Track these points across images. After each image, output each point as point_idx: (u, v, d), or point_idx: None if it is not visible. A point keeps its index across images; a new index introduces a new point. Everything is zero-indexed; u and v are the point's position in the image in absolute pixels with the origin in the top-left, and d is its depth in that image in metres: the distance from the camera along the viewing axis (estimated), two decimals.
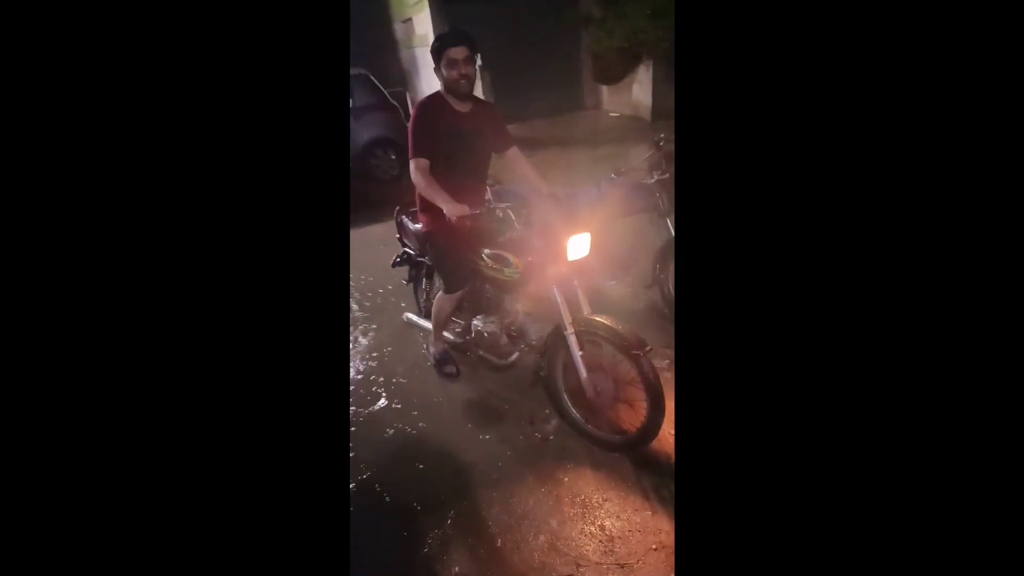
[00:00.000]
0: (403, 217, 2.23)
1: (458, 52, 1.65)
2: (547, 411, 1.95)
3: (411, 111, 1.77)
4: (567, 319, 1.63)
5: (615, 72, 7.45)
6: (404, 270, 2.46)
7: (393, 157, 5.86)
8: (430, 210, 1.82)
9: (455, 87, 1.70)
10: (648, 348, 1.49)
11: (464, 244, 1.84)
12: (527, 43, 7.88)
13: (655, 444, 1.72)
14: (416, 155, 1.70)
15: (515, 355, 1.99)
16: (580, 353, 1.65)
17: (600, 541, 1.48)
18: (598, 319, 1.59)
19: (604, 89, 8.09)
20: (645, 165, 2.55)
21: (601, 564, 1.42)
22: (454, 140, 1.75)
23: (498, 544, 1.51)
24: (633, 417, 1.71)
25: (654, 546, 1.44)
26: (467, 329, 2.05)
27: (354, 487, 1.78)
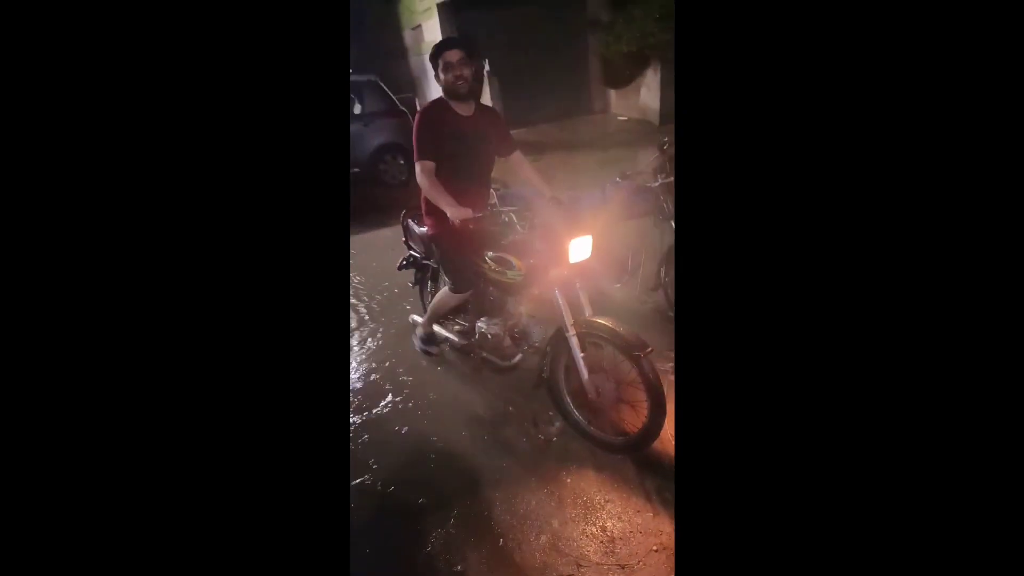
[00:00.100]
0: (409, 220, 2.27)
1: (453, 55, 1.72)
2: (550, 413, 1.96)
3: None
4: (569, 321, 1.65)
5: (623, 76, 7.47)
6: (410, 273, 2.50)
7: (402, 162, 5.92)
8: (435, 213, 1.86)
9: (453, 89, 1.76)
10: (649, 349, 1.50)
11: (468, 247, 1.86)
12: (535, 48, 7.93)
13: (658, 447, 1.73)
14: (421, 157, 1.75)
15: (518, 357, 2.00)
16: (582, 354, 1.66)
17: (601, 542, 1.49)
18: (599, 321, 1.60)
19: (612, 93, 8.11)
20: (650, 169, 2.57)
21: (602, 564, 1.42)
22: (457, 144, 1.79)
23: (500, 544, 1.52)
24: (635, 418, 1.72)
25: (655, 547, 1.45)
26: (471, 331, 2.07)
27: (358, 486, 1.80)
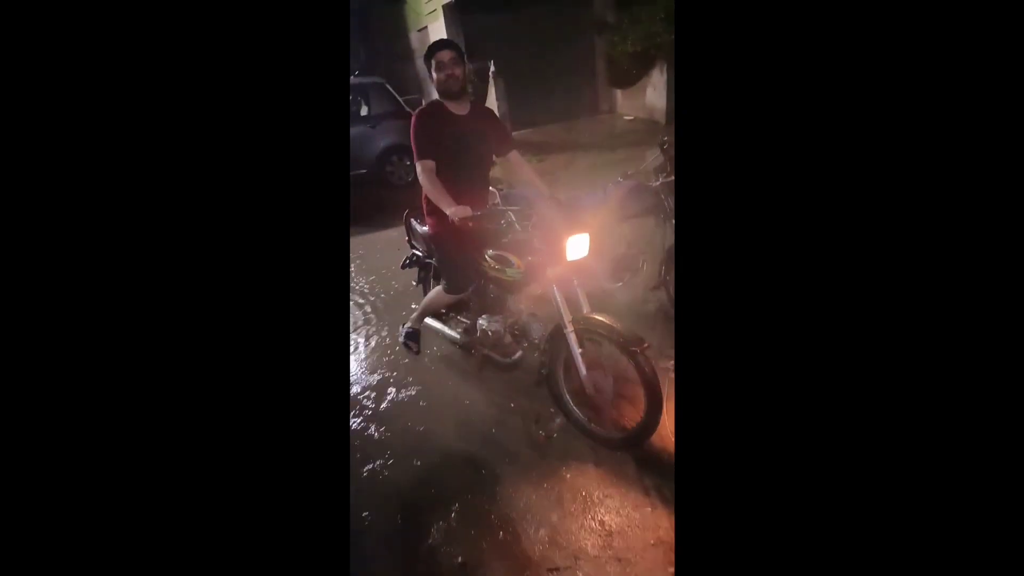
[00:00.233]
0: (412, 220, 2.30)
1: (444, 55, 1.81)
2: (552, 410, 1.99)
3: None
4: (567, 318, 1.67)
5: (629, 76, 7.46)
6: (414, 272, 2.53)
7: (408, 163, 5.97)
8: (436, 212, 1.89)
9: (446, 87, 1.83)
10: (646, 345, 1.52)
11: (467, 245, 1.90)
12: (541, 49, 7.96)
13: (657, 444, 1.74)
14: (421, 157, 1.80)
15: (518, 353, 2.03)
16: (580, 351, 1.68)
17: (599, 536, 1.51)
18: (597, 317, 1.62)
19: (618, 93, 8.11)
20: (651, 168, 2.58)
21: (599, 558, 1.44)
22: (454, 143, 1.83)
23: (500, 537, 1.55)
24: (633, 413, 1.74)
25: (652, 541, 1.46)
26: (472, 328, 2.11)
27: (362, 480, 1.84)
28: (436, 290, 2.13)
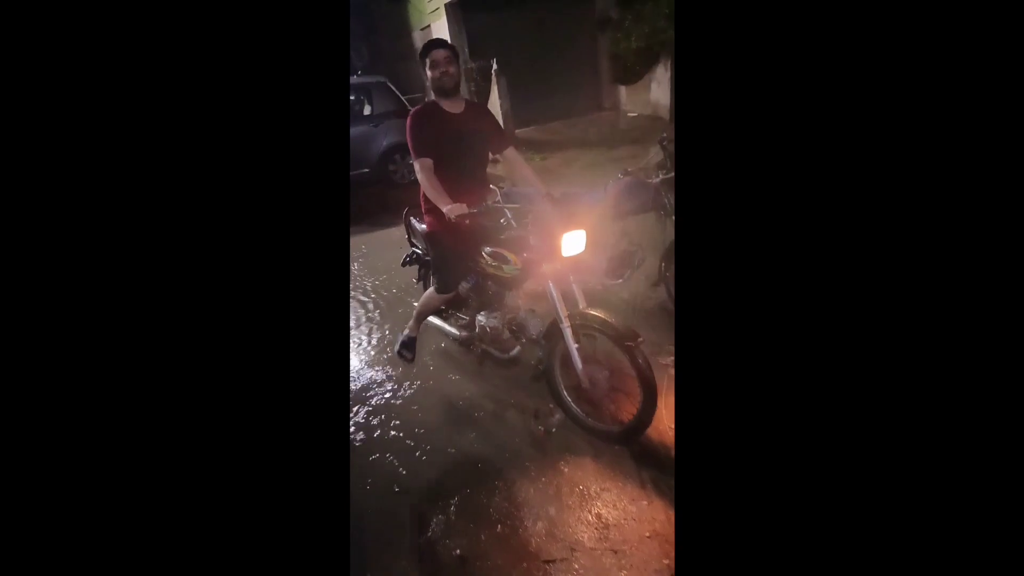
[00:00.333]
0: (411, 218, 2.33)
1: (438, 54, 1.84)
2: (551, 405, 2.01)
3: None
4: (563, 313, 1.69)
5: (633, 72, 7.45)
6: (415, 270, 2.56)
7: (411, 162, 5.99)
8: (434, 211, 1.92)
9: (440, 85, 1.86)
10: (640, 339, 1.54)
11: (464, 243, 1.92)
12: (544, 47, 7.96)
13: (655, 438, 1.76)
14: (418, 155, 1.83)
15: (517, 349, 2.05)
16: (576, 346, 1.70)
17: (596, 528, 1.52)
18: (592, 312, 1.64)
19: (622, 90, 8.09)
20: (651, 164, 2.59)
21: (595, 550, 1.46)
22: (450, 141, 1.86)
23: (498, 529, 1.57)
24: (629, 406, 1.76)
25: (648, 534, 1.48)
26: (472, 324, 2.13)
27: (363, 475, 1.87)
28: (428, 292, 2.17)
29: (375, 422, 2.15)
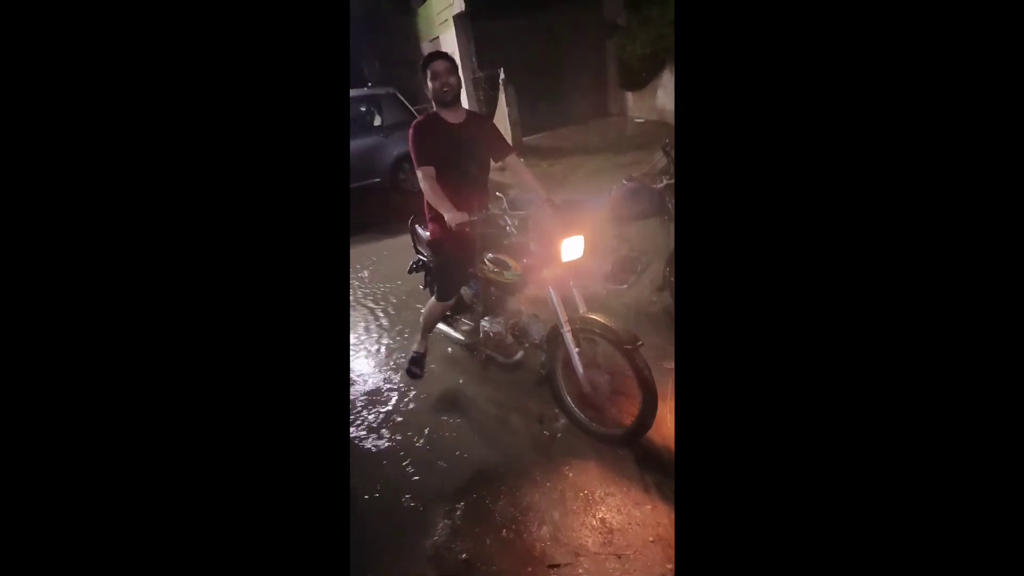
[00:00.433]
0: (416, 226, 2.37)
1: (439, 66, 1.89)
2: (556, 410, 2.02)
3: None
4: (563, 318, 1.71)
5: (640, 78, 7.47)
6: (422, 277, 2.59)
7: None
8: (437, 219, 1.95)
9: (441, 96, 1.90)
10: (640, 343, 1.55)
11: (467, 250, 1.95)
12: (551, 54, 8.01)
13: (659, 442, 1.76)
14: (421, 164, 1.87)
15: (520, 353, 2.08)
16: (577, 350, 1.72)
17: (600, 533, 1.53)
18: (592, 317, 1.66)
19: (629, 95, 8.10)
20: (655, 170, 2.60)
21: (599, 554, 1.46)
22: (452, 151, 1.90)
23: (503, 534, 1.58)
24: (630, 409, 1.77)
25: (652, 538, 1.48)
26: (476, 330, 2.16)
27: (371, 481, 1.89)
28: (430, 302, 2.20)
29: (383, 427, 2.18)
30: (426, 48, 10.01)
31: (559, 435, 1.93)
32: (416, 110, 6.19)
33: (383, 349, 2.82)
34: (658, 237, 2.58)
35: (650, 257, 2.61)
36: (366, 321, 3.17)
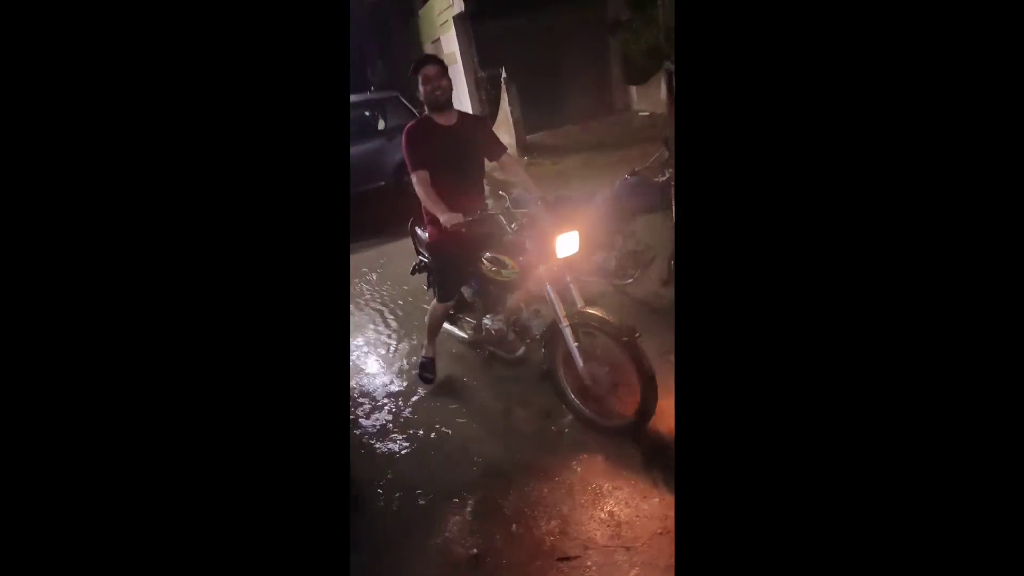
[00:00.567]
0: (416, 228, 2.40)
1: (430, 70, 1.91)
2: (563, 406, 2.03)
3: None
4: (561, 313, 1.73)
5: (644, 72, 7.44)
6: (424, 277, 2.62)
7: None
8: (435, 221, 1.97)
9: (432, 99, 1.92)
10: (637, 335, 1.56)
11: (465, 251, 1.98)
12: (554, 52, 8.02)
13: (666, 435, 1.76)
14: (415, 168, 1.90)
15: (522, 349, 2.10)
16: (576, 344, 1.73)
17: (608, 526, 1.54)
18: (590, 311, 1.67)
19: (633, 90, 8.08)
20: (657, 164, 2.60)
21: (608, 547, 1.47)
22: (445, 153, 1.92)
23: (512, 529, 1.60)
24: (631, 399, 1.78)
25: (659, 531, 1.49)
26: (479, 327, 2.19)
27: (383, 479, 1.92)
28: (432, 305, 2.23)
29: (391, 425, 2.21)
30: (429, 51, 10.06)
31: (566, 430, 1.95)
32: (419, 114, 6.23)
33: (391, 350, 2.86)
34: (662, 231, 2.58)
35: (655, 251, 2.61)
36: (375, 323, 3.21)
